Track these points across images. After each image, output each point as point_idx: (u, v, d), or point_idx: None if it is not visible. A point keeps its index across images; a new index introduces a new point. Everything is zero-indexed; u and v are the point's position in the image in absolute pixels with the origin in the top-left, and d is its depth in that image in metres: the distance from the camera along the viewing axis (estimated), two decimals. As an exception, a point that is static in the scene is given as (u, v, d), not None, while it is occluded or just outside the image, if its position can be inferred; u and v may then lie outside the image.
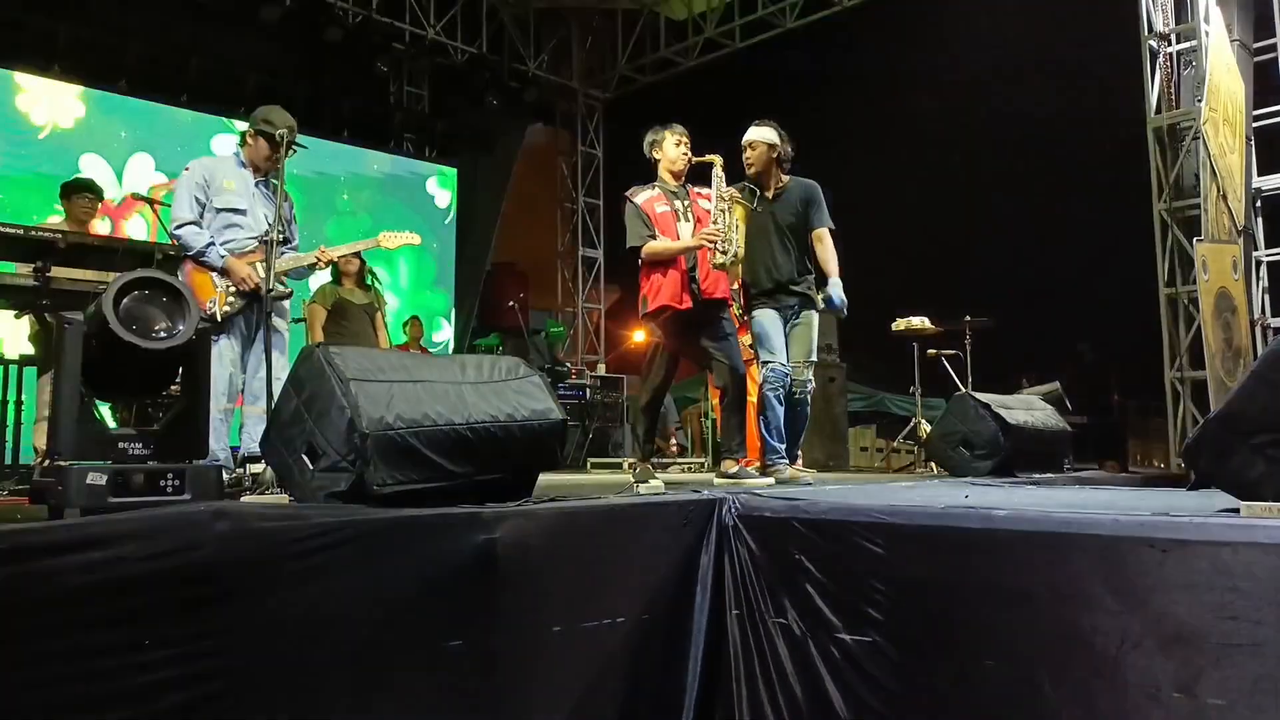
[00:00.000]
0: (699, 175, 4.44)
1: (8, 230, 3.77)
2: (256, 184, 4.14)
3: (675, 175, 4.32)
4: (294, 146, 3.97)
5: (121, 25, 8.69)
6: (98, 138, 8.47)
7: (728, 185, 4.31)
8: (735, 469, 4.01)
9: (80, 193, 5.28)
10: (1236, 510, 2.23)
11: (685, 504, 2.86)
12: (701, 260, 4.17)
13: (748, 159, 4.58)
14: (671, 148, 4.29)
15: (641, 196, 4.24)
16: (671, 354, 4.32)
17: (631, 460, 5.21)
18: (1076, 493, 3.76)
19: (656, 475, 4.24)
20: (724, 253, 4.14)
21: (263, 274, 3.92)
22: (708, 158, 4.30)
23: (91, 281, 3.83)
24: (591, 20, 12.51)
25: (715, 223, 4.17)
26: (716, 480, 4.02)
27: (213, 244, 3.95)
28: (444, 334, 11.01)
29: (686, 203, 4.29)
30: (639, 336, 17.72)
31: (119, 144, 8.57)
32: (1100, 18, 9.10)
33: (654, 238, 4.14)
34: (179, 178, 4.12)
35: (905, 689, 2.42)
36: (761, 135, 4.53)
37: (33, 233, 3.86)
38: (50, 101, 8.29)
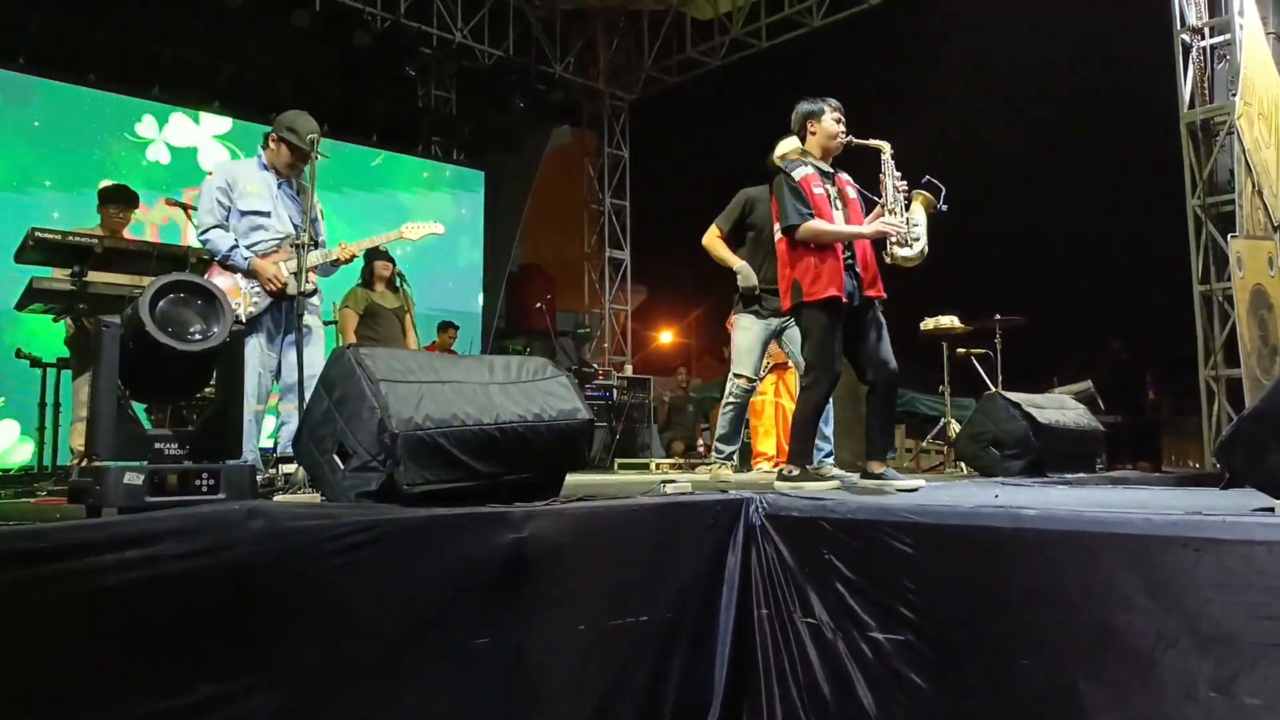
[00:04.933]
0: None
1: (47, 236, 3.85)
2: (280, 186, 4.17)
3: (827, 154, 3.95)
4: (317, 154, 3.99)
5: (154, 32, 8.81)
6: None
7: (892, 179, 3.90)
8: (882, 470, 3.69)
9: (115, 200, 5.37)
10: (1271, 509, 2.20)
11: (712, 504, 2.87)
12: (861, 256, 3.83)
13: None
14: (832, 123, 3.90)
15: (798, 172, 3.84)
16: (839, 343, 3.79)
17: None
18: (1109, 492, 3.72)
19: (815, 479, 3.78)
20: (908, 246, 3.77)
21: (288, 274, 3.96)
22: (873, 143, 3.93)
23: (127, 285, 3.91)
24: (617, 21, 12.52)
25: (893, 213, 3.81)
26: (861, 482, 3.69)
27: (236, 246, 3.99)
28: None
29: (835, 188, 3.92)
30: (666, 337, 17.74)
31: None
32: (1133, 12, 8.99)
33: (813, 216, 3.75)
34: (203, 183, 4.18)
35: (937, 688, 2.41)
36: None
37: (70, 238, 3.95)
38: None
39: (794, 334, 4.80)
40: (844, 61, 11.55)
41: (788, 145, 4.95)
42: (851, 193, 3.95)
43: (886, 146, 3.90)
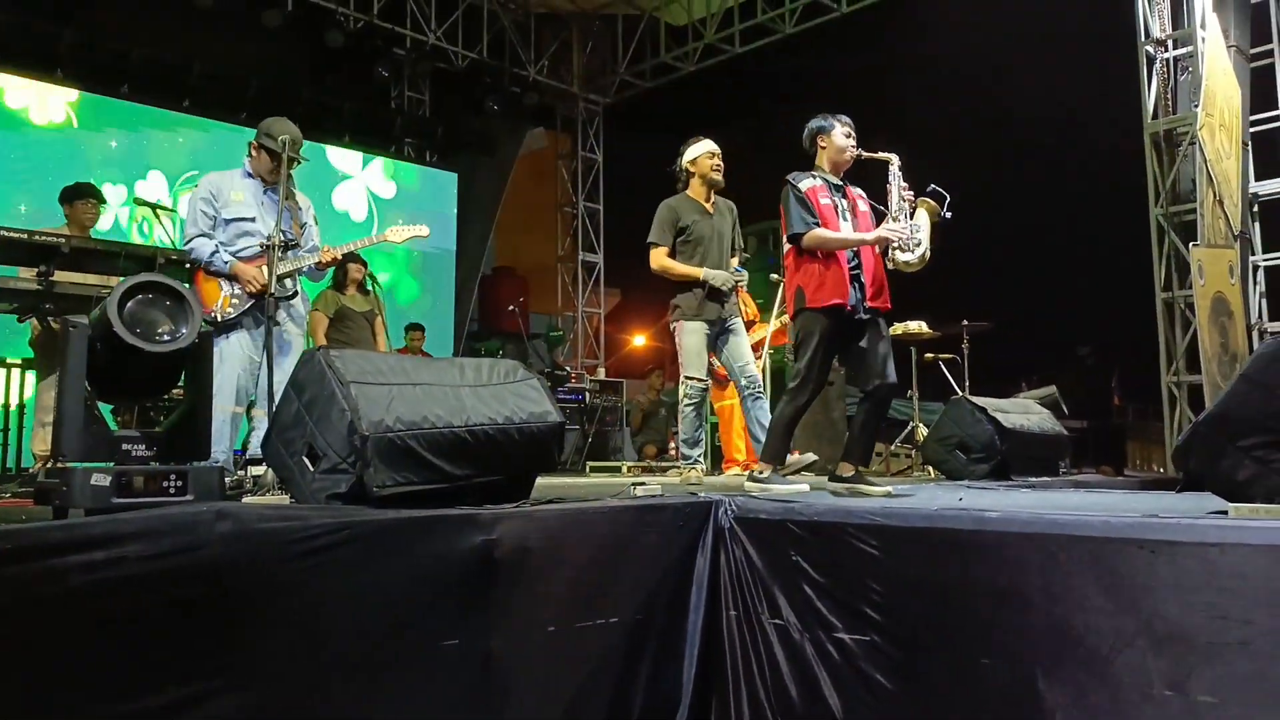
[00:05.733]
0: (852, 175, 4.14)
1: (11, 235, 3.80)
2: (266, 192, 4.24)
3: (837, 168, 4.00)
4: (296, 159, 4.02)
5: (124, 30, 8.72)
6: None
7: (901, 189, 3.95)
8: (852, 473, 3.75)
9: (83, 197, 5.31)
10: (1225, 512, 2.26)
11: (682, 506, 2.89)
12: (867, 264, 3.87)
13: (719, 167, 4.97)
14: (841, 138, 3.95)
15: (805, 183, 3.90)
16: (832, 353, 3.90)
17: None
18: (1070, 496, 3.78)
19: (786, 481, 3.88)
20: (909, 250, 3.82)
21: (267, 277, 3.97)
22: (881, 155, 3.99)
23: (94, 286, 3.87)
24: (592, 25, 12.55)
25: (896, 220, 3.86)
26: (831, 485, 3.74)
27: (217, 251, 4.06)
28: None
29: (845, 202, 3.96)
30: (639, 341, 17.76)
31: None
32: (1099, 23, 9.13)
33: (819, 224, 3.82)
34: (189, 194, 4.22)
35: (902, 688, 2.44)
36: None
37: (36, 237, 3.90)
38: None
39: (736, 342, 5.03)
40: (815, 68, 11.65)
41: (696, 151, 5.04)
42: (862, 205, 4.00)
43: (895, 159, 3.96)
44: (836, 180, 3.98)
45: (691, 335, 4.94)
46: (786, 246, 3.96)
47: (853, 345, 3.84)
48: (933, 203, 3.94)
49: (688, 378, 4.98)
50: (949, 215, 3.98)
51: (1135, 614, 2.10)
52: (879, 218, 4.00)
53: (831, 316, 3.77)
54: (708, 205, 5.05)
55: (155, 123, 8.91)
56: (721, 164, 5.05)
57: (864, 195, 4.05)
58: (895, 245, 3.81)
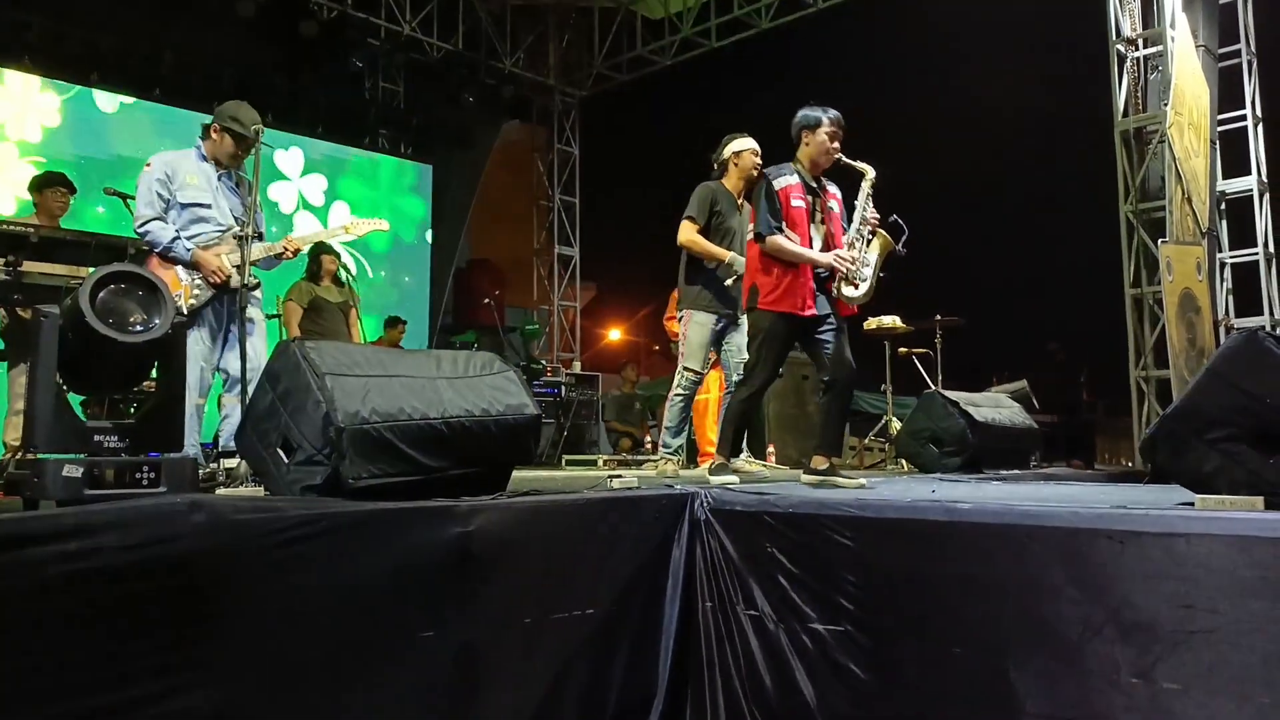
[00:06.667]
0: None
1: (-21, 224, 3.74)
2: (220, 178, 4.11)
3: (817, 167, 3.96)
4: (262, 145, 3.95)
5: (94, 18, 8.59)
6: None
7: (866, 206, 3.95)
8: (826, 465, 3.73)
9: (52, 186, 5.24)
10: (1192, 503, 2.30)
11: (658, 498, 2.90)
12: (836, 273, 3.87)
13: (759, 166, 4.79)
14: (826, 138, 3.89)
15: (780, 181, 3.87)
16: (781, 353, 3.95)
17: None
18: (1040, 488, 3.83)
19: (735, 472, 3.95)
20: (854, 286, 3.83)
21: (231, 266, 3.91)
22: (860, 166, 3.96)
23: (64, 276, 3.82)
24: (568, 18, 12.51)
25: (851, 246, 3.86)
26: (805, 478, 3.75)
27: (178, 238, 3.94)
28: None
29: (820, 200, 3.94)
30: (615, 335, 17.77)
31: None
32: (1069, 22, 9.23)
33: (782, 229, 3.79)
34: (140, 175, 4.10)
35: (875, 678, 2.47)
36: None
37: (4, 227, 3.84)
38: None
39: (738, 335, 4.96)
40: (791, 63, 11.69)
41: (741, 145, 5.03)
42: (834, 207, 3.98)
43: (870, 172, 3.94)
44: (813, 180, 3.97)
45: (698, 328, 4.92)
46: (750, 239, 3.98)
47: (808, 338, 3.89)
48: (888, 237, 3.92)
49: (685, 369, 4.95)
50: (903, 251, 3.96)
51: (1104, 603, 2.14)
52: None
53: (783, 320, 3.82)
54: (739, 201, 5.04)
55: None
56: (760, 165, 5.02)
57: (839, 195, 4.04)
58: (841, 276, 3.81)
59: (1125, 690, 2.09)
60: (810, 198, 3.90)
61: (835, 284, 3.84)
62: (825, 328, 3.85)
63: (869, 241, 3.89)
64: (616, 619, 2.68)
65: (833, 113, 3.93)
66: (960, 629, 2.35)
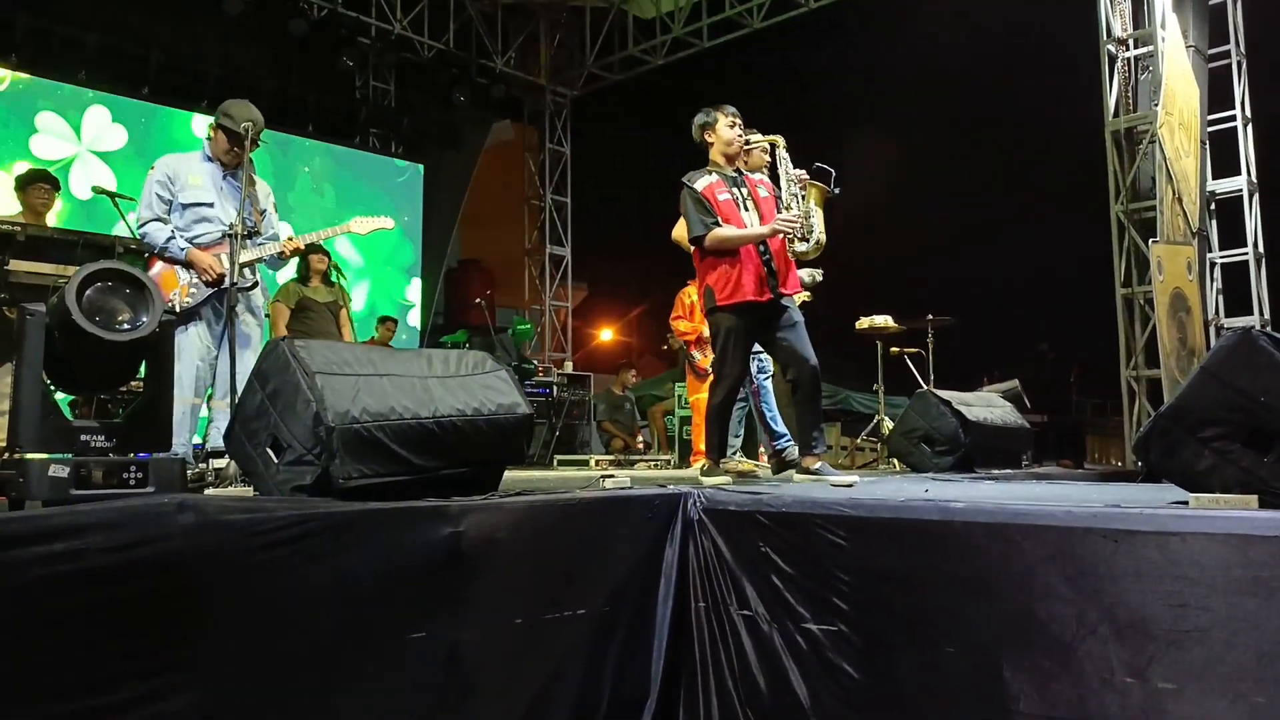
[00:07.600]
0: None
1: (-36, 222, 3.71)
2: (225, 177, 4.11)
3: (730, 159, 4.05)
4: (257, 142, 3.94)
5: (82, 17, 8.54)
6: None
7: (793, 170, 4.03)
8: (818, 465, 3.78)
9: (37, 183, 5.21)
10: (1185, 502, 2.30)
11: (650, 498, 2.89)
12: (776, 251, 3.92)
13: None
14: (726, 129, 4.00)
15: (701, 182, 3.96)
16: (747, 348, 4.04)
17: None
18: (1033, 487, 3.83)
19: (727, 472, 4.01)
20: (804, 240, 3.92)
21: (226, 265, 3.89)
22: (767, 139, 4.06)
23: (50, 275, 3.79)
24: (559, 17, 12.49)
25: (789, 208, 3.91)
26: (798, 477, 3.78)
27: (173, 237, 3.94)
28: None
29: (745, 190, 4.00)
30: (606, 335, 17.75)
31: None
32: (1062, 22, 9.25)
33: (718, 224, 3.87)
34: (145, 178, 4.10)
35: (869, 677, 2.46)
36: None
37: (-10, 225, 3.80)
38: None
39: None
40: (783, 63, 11.69)
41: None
42: (763, 192, 4.06)
43: (780, 140, 4.03)
44: (731, 172, 4.04)
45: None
46: (692, 249, 4.03)
47: (769, 336, 3.94)
48: (819, 185, 4.03)
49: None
50: (837, 191, 4.10)
51: (1097, 603, 2.13)
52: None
53: (742, 314, 3.86)
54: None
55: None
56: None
57: (765, 180, 4.12)
58: (789, 236, 3.89)
59: (1119, 690, 2.09)
60: (735, 189, 3.98)
61: (790, 247, 3.93)
62: (784, 325, 3.90)
63: (803, 197, 3.98)
64: (609, 619, 2.67)
65: (726, 107, 4.06)
66: (954, 628, 2.34)
